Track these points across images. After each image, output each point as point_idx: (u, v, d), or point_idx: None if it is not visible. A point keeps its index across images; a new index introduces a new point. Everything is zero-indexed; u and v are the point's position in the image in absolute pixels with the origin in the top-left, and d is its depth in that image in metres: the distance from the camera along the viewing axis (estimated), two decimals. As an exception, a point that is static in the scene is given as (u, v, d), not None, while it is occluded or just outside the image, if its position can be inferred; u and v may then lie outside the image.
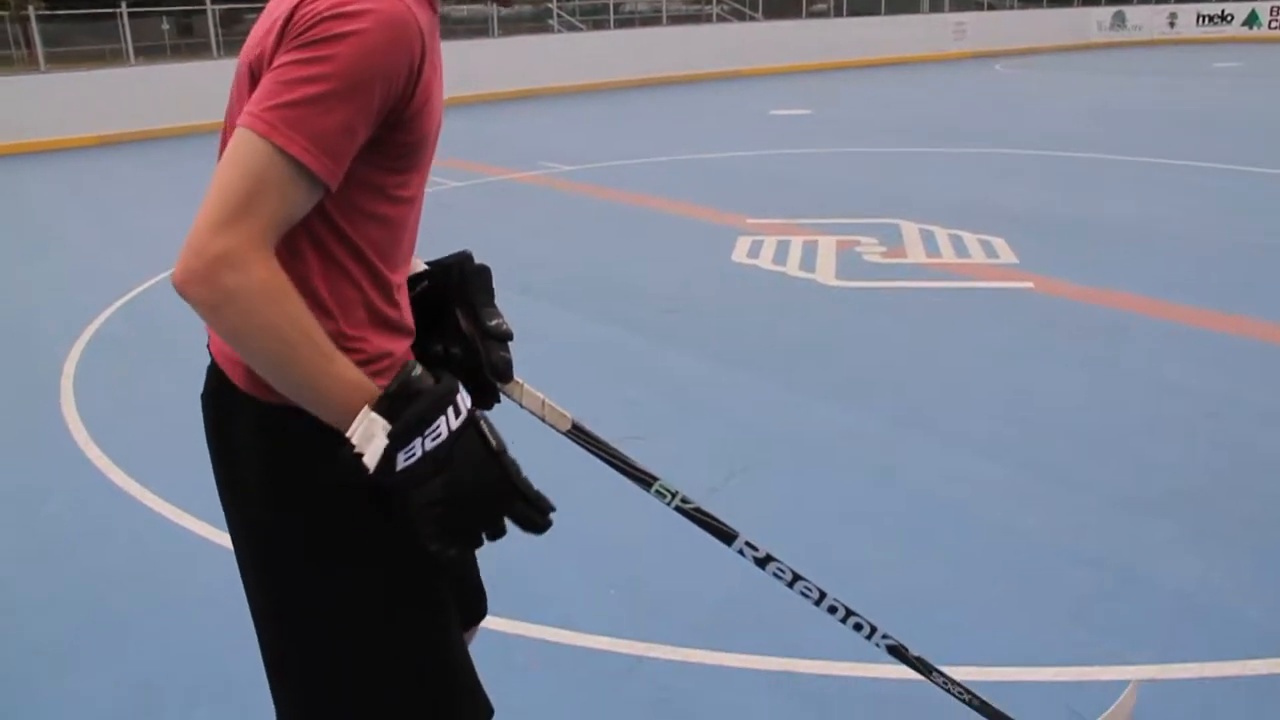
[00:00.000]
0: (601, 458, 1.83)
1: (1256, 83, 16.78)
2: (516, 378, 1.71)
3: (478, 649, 1.98)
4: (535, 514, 1.42)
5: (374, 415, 1.31)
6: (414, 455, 1.32)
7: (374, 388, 1.34)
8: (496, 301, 1.72)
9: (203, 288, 1.24)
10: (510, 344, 1.70)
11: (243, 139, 1.28)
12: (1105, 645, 2.80)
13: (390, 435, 1.31)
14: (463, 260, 1.71)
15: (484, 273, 1.72)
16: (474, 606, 1.90)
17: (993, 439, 4.16)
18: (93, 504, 4.10)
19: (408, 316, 1.57)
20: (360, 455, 1.31)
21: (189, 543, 3.68)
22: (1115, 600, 3.02)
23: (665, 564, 3.37)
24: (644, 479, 1.86)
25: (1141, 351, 5.08)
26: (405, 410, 1.32)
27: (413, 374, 1.36)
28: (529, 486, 1.41)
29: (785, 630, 2.94)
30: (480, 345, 1.66)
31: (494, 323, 1.67)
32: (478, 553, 1.87)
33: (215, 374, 1.52)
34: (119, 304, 6.60)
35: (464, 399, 1.37)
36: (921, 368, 5.02)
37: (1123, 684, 2.58)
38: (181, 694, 2.88)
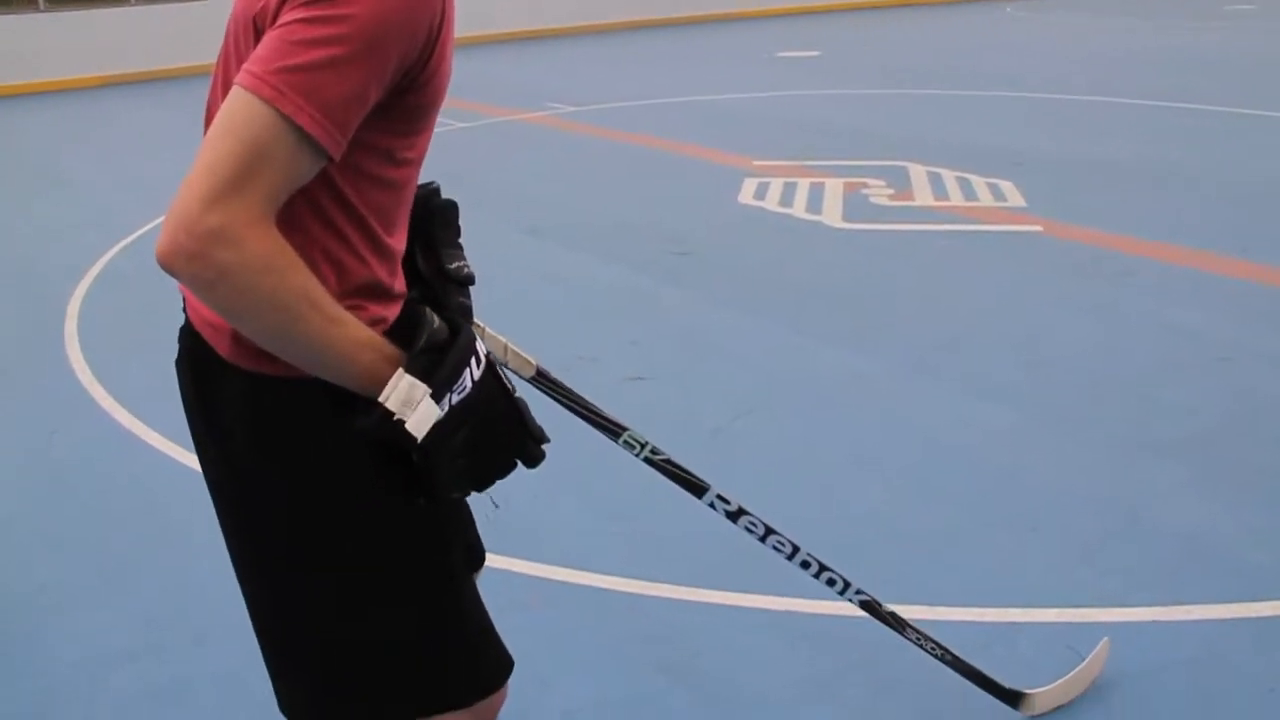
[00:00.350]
0: (567, 406, 1.80)
1: (1270, 25, 16.52)
2: (478, 320, 1.64)
3: (480, 585, 1.98)
4: (539, 450, 1.39)
5: (411, 379, 1.24)
6: (443, 412, 1.26)
7: (390, 346, 1.27)
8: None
9: (194, 265, 1.13)
10: (472, 289, 1.60)
11: (242, 102, 1.16)
12: (1109, 587, 2.79)
13: (433, 395, 1.25)
14: (428, 194, 1.59)
15: (449, 209, 1.60)
16: (474, 554, 1.86)
17: (1000, 382, 4.14)
18: (97, 444, 4.10)
19: (401, 283, 1.47)
20: (397, 420, 1.23)
21: (194, 483, 3.63)
22: (1121, 543, 3.01)
23: (667, 504, 3.33)
24: (612, 428, 1.83)
25: (1151, 295, 5.03)
26: (437, 368, 1.26)
27: (434, 326, 1.30)
28: (535, 424, 1.38)
29: (786, 571, 2.91)
30: (440, 289, 1.55)
31: (454, 265, 1.56)
32: (471, 499, 1.87)
33: (193, 339, 1.43)
34: (123, 245, 6.56)
35: (481, 345, 1.33)
36: (929, 311, 4.98)
37: (1125, 625, 2.58)
38: (187, 631, 2.89)
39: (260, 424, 1.40)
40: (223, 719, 2.52)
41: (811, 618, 2.74)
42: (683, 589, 2.90)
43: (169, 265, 1.15)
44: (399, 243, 1.44)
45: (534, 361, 1.73)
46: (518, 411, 1.35)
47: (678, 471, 1.90)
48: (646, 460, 1.86)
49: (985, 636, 2.53)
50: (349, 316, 1.25)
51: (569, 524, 3.31)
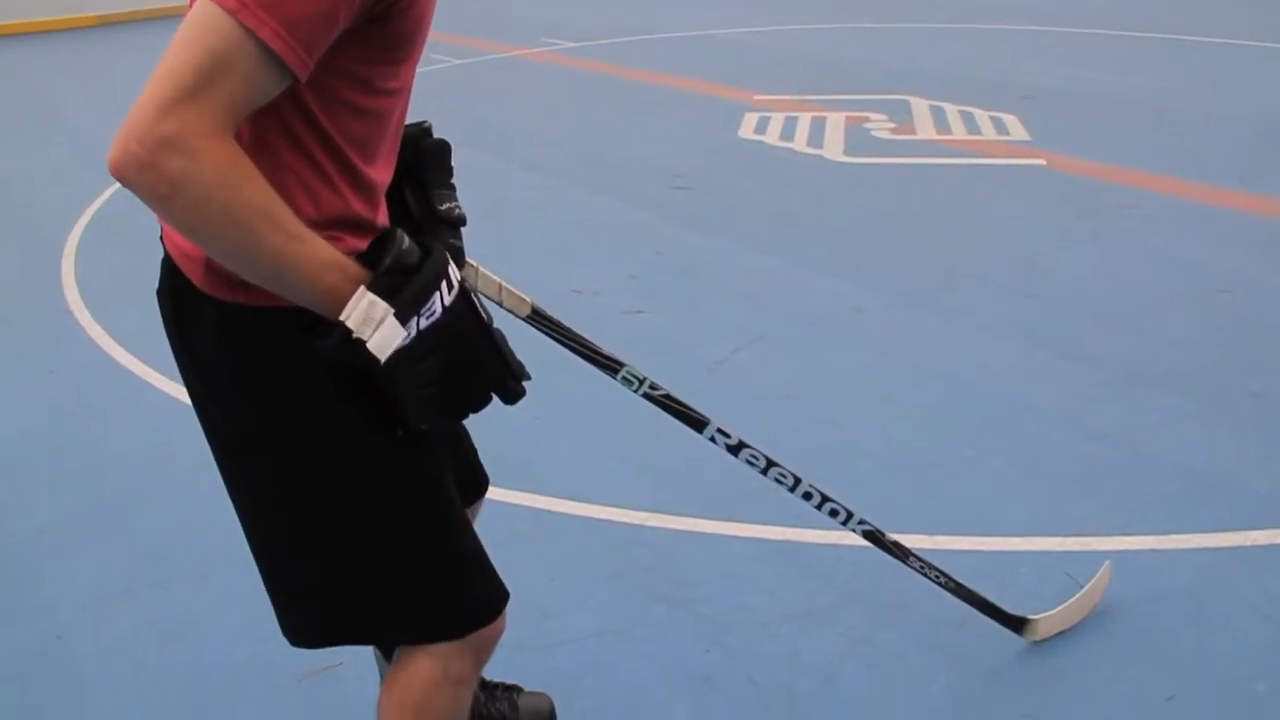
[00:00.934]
0: (564, 343, 1.78)
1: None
2: (471, 260, 1.62)
3: (481, 517, 1.98)
4: (519, 386, 1.36)
5: (372, 296, 1.20)
6: (410, 336, 1.22)
7: (355, 266, 1.23)
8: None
9: (147, 176, 1.10)
10: (463, 230, 1.59)
11: (204, 13, 1.12)
12: (1109, 517, 2.79)
13: (397, 316, 1.21)
14: (419, 134, 1.57)
15: (441, 149, 1.59)
16: (473, 484, 1.87)
17: (1002, 314, 4.13)
18: (96, 383, 4.09)
19: (384, 216, 1.44)
20: (358, 340, 1.20)
21: (194, 420, 3.65)
22: (1121, 474, 3.01)
23: (668, 436, 3.34)
24: (609, 365, 1.81)
25: (1152, 228, 5.00)
26: (403, 288, 1.22)
27: (403, 246, 1.25)
28: (514, 358, 1.35)
29: (786, 502, 2.92)
30: (431, 231, 1.54)
31: (446, 206, 1.56)
32: (472, 427, 1.86)
33: (171, 270, 1.41)
34: (119, 185, 6.50)
35: (454, 270, 1.29)
36: (930, 244, 4.96)
37: (1124, 554, 2.59)
38: (193, 564, 2.90)
39: (236, 355, 1.38)
40: (229, 652, 2.54)
41: (812, 547, 2.75)
42: (683, 520, 2.91)
43: (121, 175, 1.12)
44: (380, 175, 1.40)
45: (529, 300, 1.71)
46: (492, 342, 1.32)
47: (677, 406, 1.89)
48: (645, 396, 1.85)
49: (986, 565, 2.54)
50: (312, 235, 1.20)
51: (569, 456, 3.31)
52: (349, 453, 1.40)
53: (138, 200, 1.17)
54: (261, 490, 1.47)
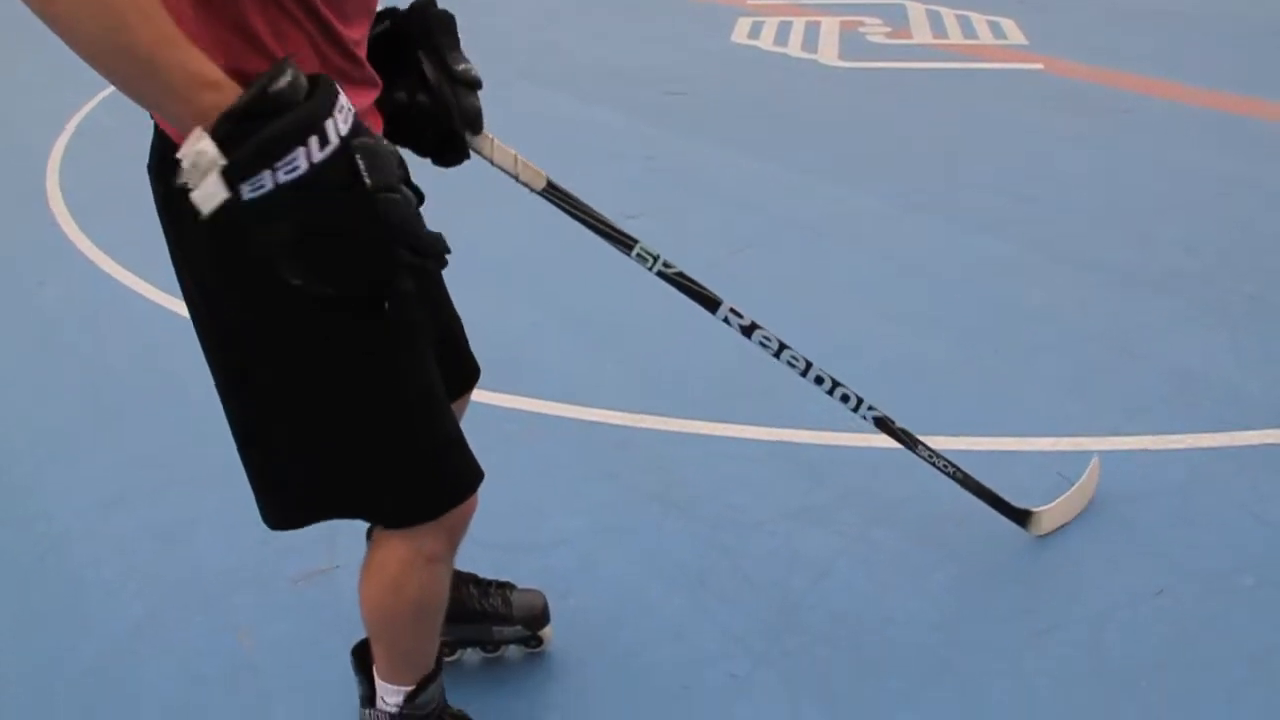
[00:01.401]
0: (578, 218, 1.77)
1: None
2: (487, 131, 1.60)
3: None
4: (426, 260, 1.24)
5: (206, 140, 1.06)
6: (262, 188, 1.09)
7: (231, 89, 1.09)
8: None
9: None
10: (479, 92, 1.57)
11: None
12: (1101, 418, 2.80)
13: (225, 171, 1.07)
14: (425, 4, 1.55)
15: (449, 18, 1.56)
16: (461, 375, 1.85)
17: (997, 217, 4.10)
18: (87, 294, 4.06)
19: (369, 69, 1.37)
20: (187, 190, 1.08)
21: (186, 331, 3.62)
22: (1114, 375, 3.01)
23: (663, 340, 3.36)
24: (624, 241, 1.80)
25: (1151, 132, 4.95)
26: (246, 139, 1.07)
27: (275, 84, 1.08)
28: (414, 229, 1.22)
29: (782, 404, 2.94)
30: (449, 92, 1.52)
31: (461, 67, 1.53)
32: (467, 329, 1.83)
33: (160, 139, 1.36)
34: (101, 97, 6.39)
35: (342, 122, 1.12)
36: (926, 148, 4.91)
37: (1117, 454, 2.60)
38: (188, 472, 2.90)
39: (211, 232, 1.30)
40: (225, 556, 2.55)
41: (806, 448, 2.76)
42: (675, 421, 2.91)
43: None
44: (357, 33, 1.33)
45: (544, 174, 1.69)
46: (371, 210, 1.15)
47: (691, 285, 1.89)
48: (660, 274, 1.85)
49: (979, 465, 2.53)
50: (191, 45, 1.07)
51: (563, 360, 3.30)
52: (322, 331, 1.37)
53: (121, 117, 1.13)
54: (236, 370, 1.45)
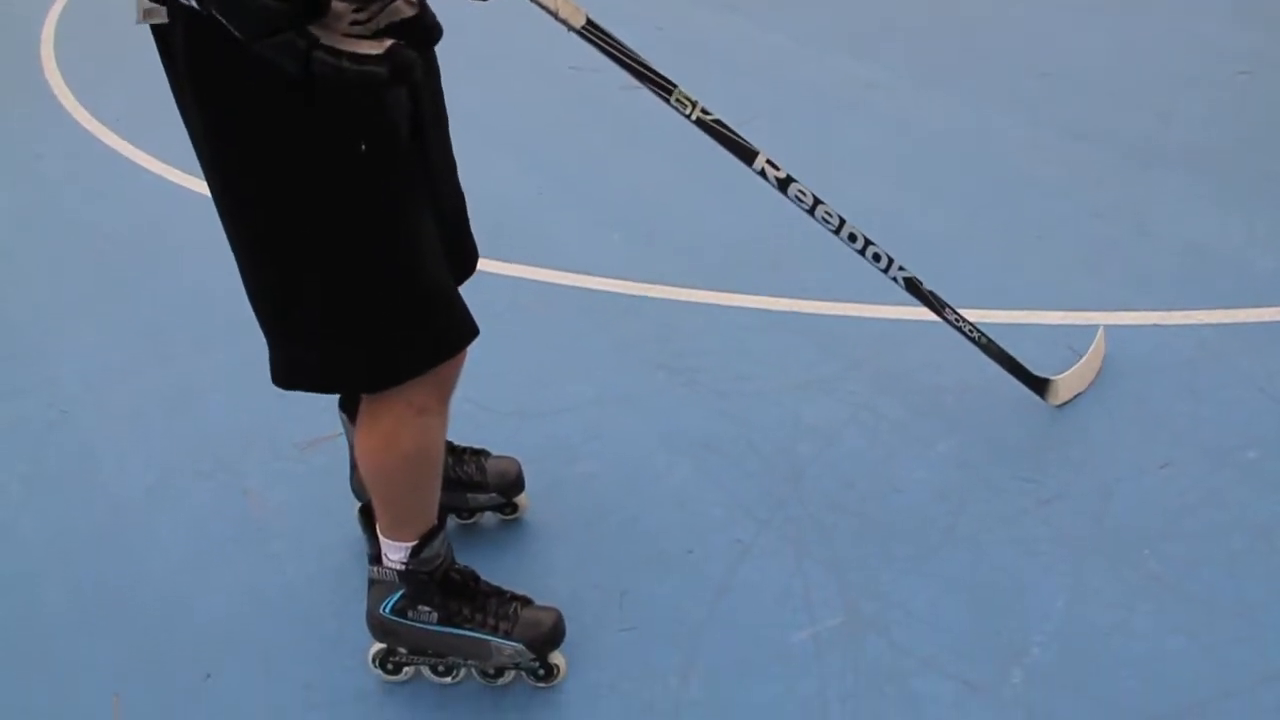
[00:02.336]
0: (617, 59, 1.74)
1: None
2: None
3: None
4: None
5: None
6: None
7: None
8: None
9: None
10: None
11: None
12: (1112, 293, 2.77)
13: None
14: None
15: None
16: (460, 258, 1.83)
17: (1013, 92, 4.01)
18: (88, 167, 4.03)
19: None
20: None
21: (188, 201, 3.62)
22: (1127, 250, 2.97)
23: (669, 211, 3.33)
24: (663, 85, 1.77)
25: (1174, 7, 4.81)
26: None
27: None
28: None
29: (788, 274, 2.92)
30: None
31: None
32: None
33: None
34: (94, -35, 6.26)
35: None
36: (941, 22, 4.78)
37: (1126, 328, 2.58)
38: (192, 341, 2.91)
39: (195, 63, 1.36)
40: (232, 422, 2.57)
41: (813, 318, 2.75)
42: (683, 290, 2.90)
43: None
44: None
45: (584, 11, 1.66)
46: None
47: (728, 134, 1.86)
48: (698, 121, 1.83)
49: (988, 336, 2.53)
50: None
51: (570, 229, 3.29)
52: (315, 174, 1.39)
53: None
54: (226, 202, 1.47)
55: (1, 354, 2.98)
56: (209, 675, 1.91)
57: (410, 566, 1.75)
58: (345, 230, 1.44)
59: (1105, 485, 2.15)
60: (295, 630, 1.99)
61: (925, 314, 2.46)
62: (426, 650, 1.83)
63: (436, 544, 1.76)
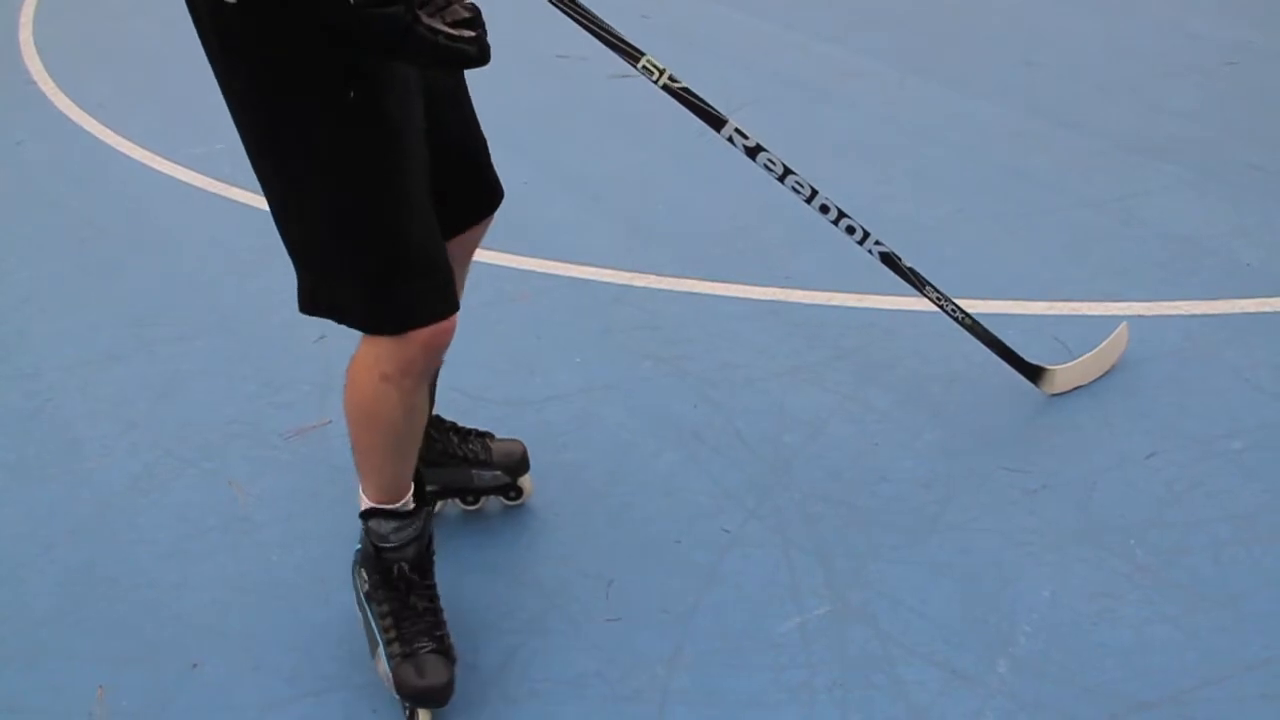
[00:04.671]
0: (586, 27, 1.75)
1: None
2: None
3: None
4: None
5: None
6: None
7: None
8: None
9: None
10: None
11: None
12: (1099, 283, 2.78)
13: None
14: None
15: None
16: (485, 195, 1.88)
17: (999, 82, 4.02)
18: (70, 153, 4.00)
19: None
20: None
21: (173, 188, 3.61)
22: (1114, 241, 2.98)
23: (656, 201, 3.33)
24: (630, 53, 1.78)
25: (1162, -2, 4.83)
26: None
27: None
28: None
29: (775, 263, 2.92)
30: None
31: None
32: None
33: None
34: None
35: None
36: (927, 10, 4.79)
37: (1113, 319, 2.59)
38: (176, 329, 2.89)
39: (215, 15, 1.41)
40: (217, 411, 2.55)
41: (799, 307, 2.75)
42: (669, 279, 2.90)
43: None
44: None
45: None
46: None
47: (695, 101, 1.86)
48: (665, 87, 1.84)
49: (973, 317, 2.53)
50: None
51: (555, 218, 3.28)
52: (295, 115, 1.46)
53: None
54: (254, 152, 1.54)
55: (-15, 341, 2.96)
56: (195, 665, 1.90)
57: (368, 525, 1.77)
58: (340, 182, 1.50)
59: (1091, 475, 2.16)
60: (282, 619, 1.98)
61: (913, 303, 2.47)
62: (356, 608, 1.87)
63: (387, 527, 1.75)
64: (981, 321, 2.29)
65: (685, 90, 1.84)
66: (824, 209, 2.03)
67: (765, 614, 1.90)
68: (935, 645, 1.82)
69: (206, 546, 2.17)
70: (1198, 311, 2.67)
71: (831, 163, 3.44)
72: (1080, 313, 2.65)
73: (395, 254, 1.54)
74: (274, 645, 1.93)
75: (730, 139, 1.90)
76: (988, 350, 2.30)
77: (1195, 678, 1.72)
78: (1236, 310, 2.67)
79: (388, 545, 1.76)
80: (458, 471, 2.07)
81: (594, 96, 4.00)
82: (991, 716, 1.68)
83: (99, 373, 2.75)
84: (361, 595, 1.82)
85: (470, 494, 2.14)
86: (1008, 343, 2.32)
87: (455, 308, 1.61)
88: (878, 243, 2.11)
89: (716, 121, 1.89)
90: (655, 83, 1.82)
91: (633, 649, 1.86)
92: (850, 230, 2.07)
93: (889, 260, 2.14)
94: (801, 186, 1.99)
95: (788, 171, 1.96)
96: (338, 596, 1.98)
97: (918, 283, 2.17)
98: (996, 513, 2.08)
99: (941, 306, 2.21)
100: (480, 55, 1.40)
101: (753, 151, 1.93)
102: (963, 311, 2.23)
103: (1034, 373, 2.33)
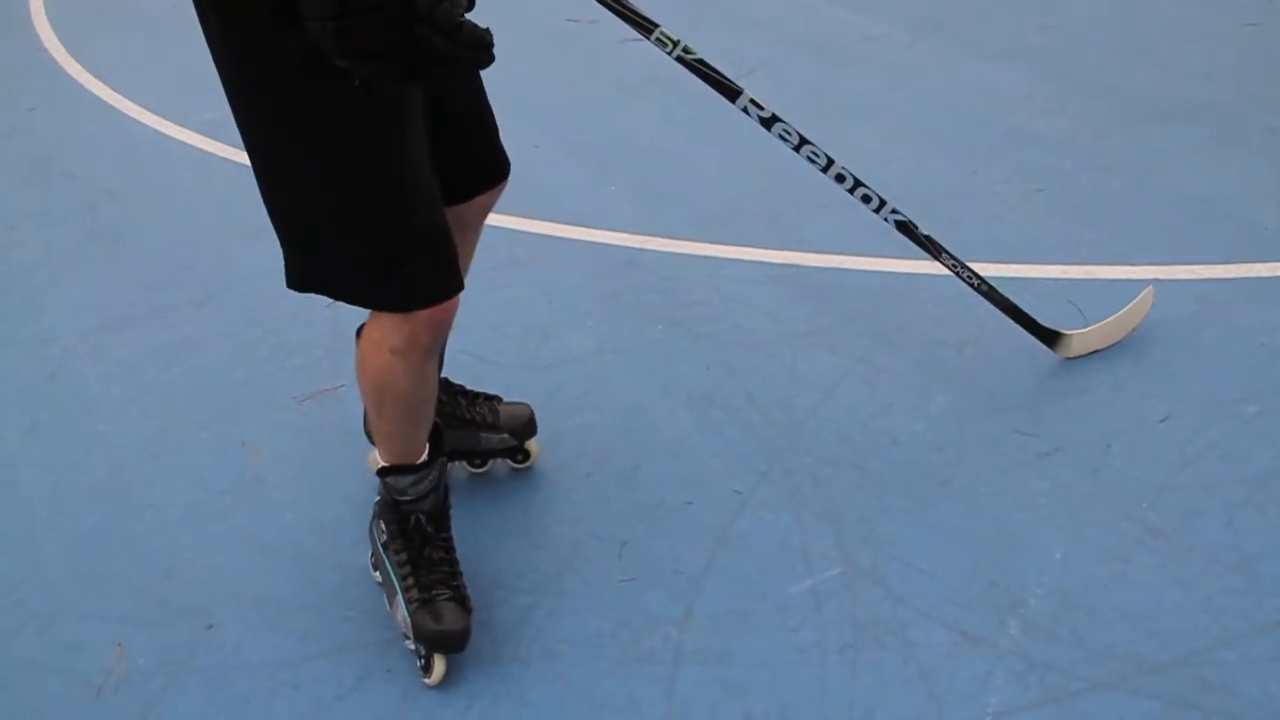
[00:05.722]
0: (601, 1, 1.73)
1: None
2: None
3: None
4: (453, 48, 1.30)
5: None
6: None
7: None
8: None
9: None
10: None
11: None
12: (1114, 246, 2.76)
13: None
14: None
15: None
16: (493, 166, 1.87)
17: (1014, 45, 3.98)
18: (80, 119, 4.00)
19: None
20: None
21: (183, 153, 3.61)
22: (1128, 204, 2.96)
23: (667, 164, 3.32)
24: (643, 24, 1.77)
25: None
26: None
27: None
28: (448, 15, 1.29)
29: (788, 227, 2.91)
30: None
31: None
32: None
33: None
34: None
35: None
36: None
37: (1128, 283, 2.57)
38: (188, 294, 2.90)
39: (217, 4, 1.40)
40: (229, 374, 2.57)
41: (812, 271, 2.74)
42: (682, 243, 2.89)
43: None
44: None
45: None
46: None
47: (710, 72, 1.86)
48: (679, 59, 1.83)
49: (989, 283, 2.52)
50: None
51: (567, 182, 3.27)
52: (299, 97, 1.44)
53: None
54: (246, 130, 1.54)
55: (-1, 307, 2.97)
56: (210, 625, 1.92)
57: (386, 481, 1.80)
58: (344, 160, 1.48)
59: (1104, 438, 2.15)
60: (295, 581, 2.00)
61: (924, 267, 2.45)
62: (372, 558, 1.90)
63: (405, 481, 1.78)
64: (996, 285, 2.28)
65: (700, 62, 1.83)
66: (840, 178, 2.02)
67: (776, 576, 1.91)
68: (946, 607, 1.82)
69: (220, 508, 2.18)
70: (1213, 275, 2.65)
71: (842, 126, 3.41)
72: (1095, 276, 2.63)
73: (399, 235, 1.54)
74: (288, 605, 1.95)
75: (745, 110, 1.89)
76: (1002, 315, 2.29)
77: (1207, 640, 1.72)
78: (1253, 274, 2.65)
79: (406, 498, 1.79)
80: (465, 434, 2.08)
81: (604, 61, 3.98)
82: (1002, 678, 1.69)
83: (112, 337, 2.76)
84: (379, 545, 1.85)
85: (477, 457, 2.15)
86: (1022, 306, 2.31)
87: (458, 288, 1.61)
88: (894, 210, 2.09)
89: (731, 93, 1.88)
90: (670, 54, 1.81)
91: (645, 610, 1.87)
92: (866, 199, 2.06)
93: (905, 228, 2.13)
94: (817, 156, 1.98)
95: (803, 141, 1.95)
96: (351, 557, 1.99)
97: (934, 249, 2.16)
98: (1008, 476, 2.08)
99: (957, 273, 2.20)
100: (487, 56, 1.34)
101: (768, 122, 1.92)
102: (979, 277, 2.22)
103: (1050, 337, 2.32)
